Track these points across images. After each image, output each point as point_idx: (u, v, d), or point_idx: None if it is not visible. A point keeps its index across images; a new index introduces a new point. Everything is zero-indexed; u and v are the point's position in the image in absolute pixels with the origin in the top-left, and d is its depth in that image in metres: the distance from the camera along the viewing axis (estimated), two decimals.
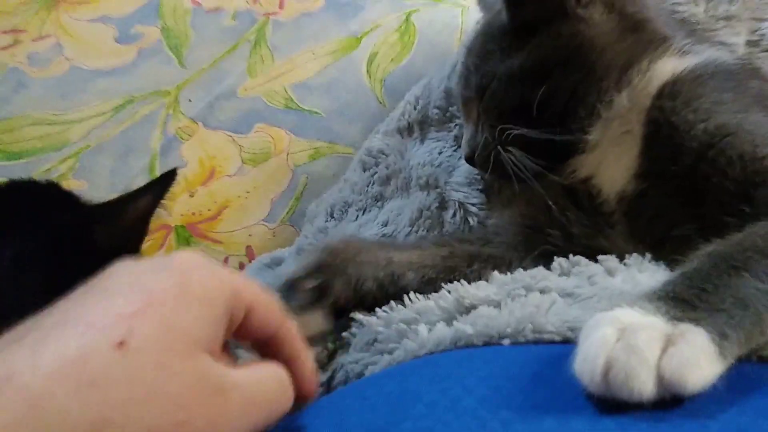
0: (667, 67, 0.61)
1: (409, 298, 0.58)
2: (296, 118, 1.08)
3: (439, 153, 0.77)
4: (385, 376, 0.50)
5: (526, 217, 0.66)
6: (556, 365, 0.42)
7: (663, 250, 0.56)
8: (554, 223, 0.63)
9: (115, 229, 0.59)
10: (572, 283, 0.51)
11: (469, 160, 0.69)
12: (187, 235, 0.96)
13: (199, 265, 0.39)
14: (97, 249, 0.58)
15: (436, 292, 0.58)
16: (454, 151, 0.77)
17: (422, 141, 0.81)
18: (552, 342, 0.46)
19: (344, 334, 0.61)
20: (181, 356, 0.35)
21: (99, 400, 0.31)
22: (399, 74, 1.10)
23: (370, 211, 0.80)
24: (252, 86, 1.11)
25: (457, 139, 0.78)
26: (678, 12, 0.74)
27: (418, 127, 0.82)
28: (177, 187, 0.66)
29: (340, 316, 0.63)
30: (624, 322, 0.38)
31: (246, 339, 0.43)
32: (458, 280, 0.58)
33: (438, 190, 0.74)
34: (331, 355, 0.61)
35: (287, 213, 0.99)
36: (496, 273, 0.56)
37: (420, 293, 0.59)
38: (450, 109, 0.80)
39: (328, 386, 0.59)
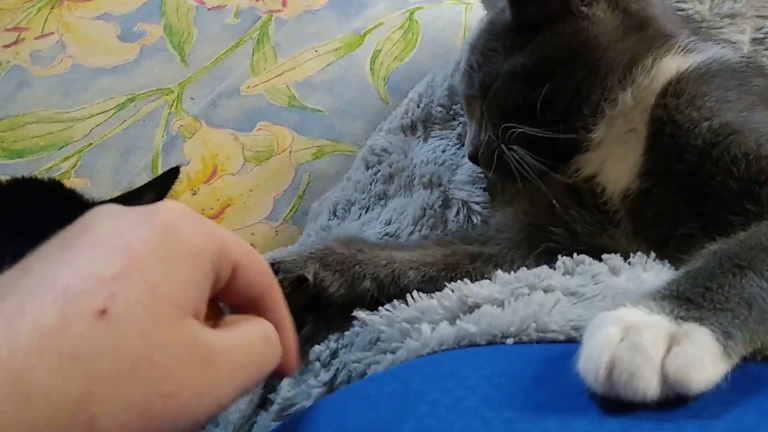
0: (671, 65, 0.61)
1: (412, 297, 0.58)
2: (299, 116, 1.08)
3: (443, 151, 0.77)
4: (387, 376, 0.50)
5: (529, 215, 0.66)
6: (559, 364, 0.42)
7: (667, 249, 0.56)
8: (558, 221, 0.63)
9: None
10: (576, 282, 0.51)
11: (473, 158, 0.69)
12: None
13: (185, 218, 0.36)
14: None
15: (437, 290, 0.58)
16: (458, 149, 0.77)
17: (425, 139, 0.81)
18: (555, 341, 0.46)
19: (347, 333, 0.61)
20: (166, 323, 0.33)
21: (82, 374, 0.30)
22: (402, 72, 1.10)
23: (373, 209, 0.79)
24: (255, 84, 1.11)
25: (461, 137, 0.78)
26: (682, 10, 0.74)
27: (421, 125, 0.82)
28: (179, 185, 0.66)
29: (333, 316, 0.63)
30: (628, 321, 0.38)
31: (229, 301, 0.40)
32: (460, 279, 0.58)
33: (441, 188, 0.74)
34: (334, 354, 0.61)
35: (290, 211, 0.99)
36: (499, 272, 0.56)
37: (422, 292, 0.59)
38: (453, 107, 0.80)
39: (330, 386, 0.59)
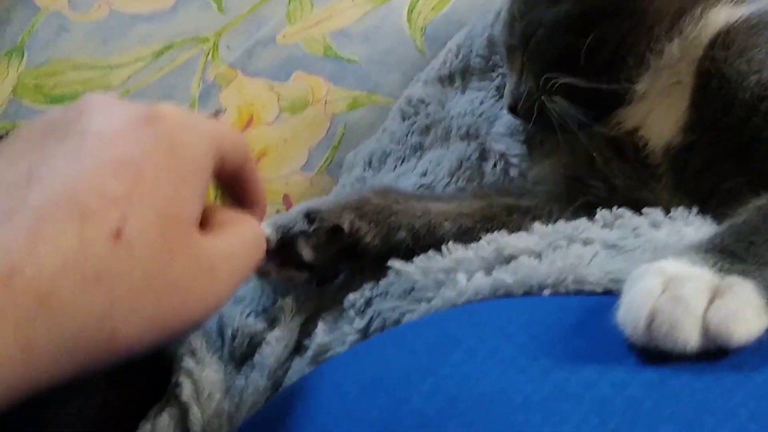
0: (720, 15, 0.59)
1: (447, 248, 0.58)
2: (335, 67, 1.07)
3: (481, 103, 0.76)
4: (423, 323, 0.51)
5: (569, 168, 0.65)
6: (597, 316, 0.42)
7: (709, 205, 0.55)
8: (597, 174, 0.62)
9: None
10: (616, 234, 0.50)
11: (512, 110, 0.68)
12: None
13: (186, 125, 0.37)
14: None
15: (473, 242, 0.57)
16: (496, 101, 0.76)
17: (463, 91, 0.80)
18: (593, 293, 0.46)
19: (381, 282, 0.62)
20: (175, 242, 0.34)
21: (103, 294, 0.32)
22: (440, 22, 1.08)
23: (408, 161, 0.79)
24: (291, 33, 1.10)
25: (500, 89, 0.76)
26: None
27: (459, 76, 0.81)
28: None
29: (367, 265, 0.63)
30: (670, 273, 0.38)
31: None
32: (497, 231, 0.58)
33: (479, 140, 0.73)
34: (368, 303, 0.62)
35: (324, 162, 0.99)
36: (537, 224, 0.55)
37: (457, 243, 0.59)
38: (493, 58, 0.79)
39: (365, 333, 0.59)
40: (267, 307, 0.66)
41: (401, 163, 0.79)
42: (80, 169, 0.33)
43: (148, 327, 0.34)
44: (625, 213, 0.53)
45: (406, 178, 0.76)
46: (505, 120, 0.73)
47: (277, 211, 0.94)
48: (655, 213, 0.53)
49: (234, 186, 0.44)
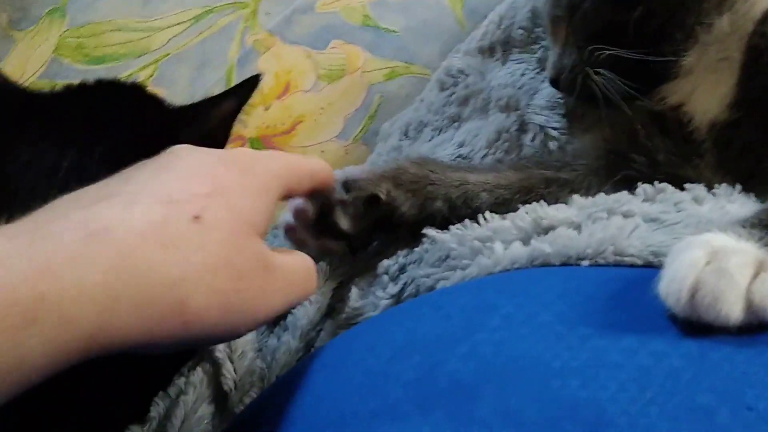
0: None
1: (484, 217, 0.58)
2: (373, 36, 1.07)
3: (522, 75, 0.75)
4: (459, 289, 0.51)
5: (610, 141, 0.64)
6: (637, 287, 0.42)
7: (753, 182, 0.54)
8: (639, 149, 0.61)
9: (200, 131, 0.60)
10: (657, 208, 0.50)
11: (554, 82, 0.67)
12: (261, 148, 0.97)
13: (257, 160, 0.44)
14: None
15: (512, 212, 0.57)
16: (537, 73, 0.75)
17: (504, 62, 0.79)
18: (633, 265, 0.46)
19: (416, 249, 0.62)
20: (243, 236, 0.40)
21: (178, 261, 0.36)
22: None
23: (446, 131, 0.79)
24: (330, 1, 1.10)
25: (541, 61, 0.76)
26: None
27: (500, 47, 0.80)
28: (253, 99, 0.66)
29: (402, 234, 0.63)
30: (715, 246, 0.37)
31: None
32: (535, 202, 0.57)
33: (518, 112, 0.72)
34: (402, 269, 0.62)
35: (360, 131, 0.99)
36: (576, 196, 0.55)
37: (494, 214, 0.58)
38: (535, 30, 0.78)
39: (398, 298, 0.59)
40: None
41: (438, 134, 0.79)
42: (169, 176, 0.40)
43: (215, 303, 0.37)
44: (667, 187, 0.53)
45: (443, 149, 0.76)
46: (546, 92, 0.72)
47: None
48: (698, 189, 0.52)
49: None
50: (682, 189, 0.53)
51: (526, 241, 0.52)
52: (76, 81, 0.66)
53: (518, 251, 0.51)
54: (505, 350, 0.39)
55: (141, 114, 0.61)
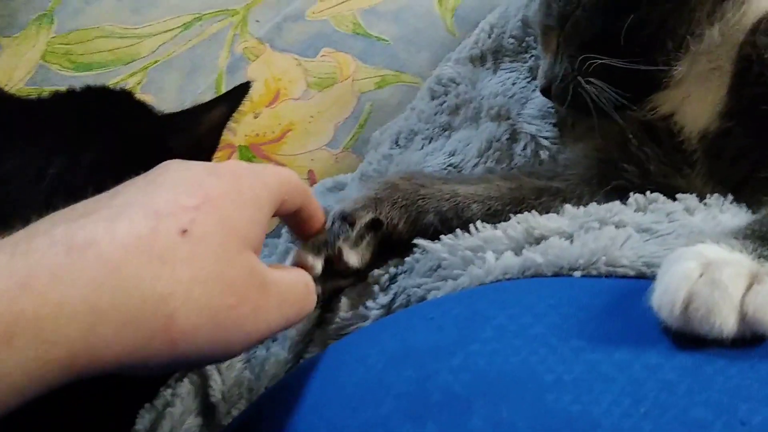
0: (763, 1, 0.58)
1: (476, 227, 0.57)
2: (363, 45, 1.07)
3: (513, 84, 0.75)
4: (450, 300, 0.50)
5: (601, 151, 0.64)
6: (629, 298, 0.42)
7: (743, 192, 0.54)
8: (631, 158, 0.61)
9: (189, 138, 0.59)
10: (649, 218, 0.50)
11: (546, 91, 0.67)
12: (250, 156, 0.97)
13: (248, 172, 0.43)
14: (170, 158, 0.58)
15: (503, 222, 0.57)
16: (528, 82, 0.75)
17: (495, 71, 0.79)
18: (625, 276, 0.45)
19: (407, 259, 0.61)
20: (234, 250, 0.38)
21: (167, 276, 0.35)
22: (471, 4, 1.07)
23: (436, 140, 0.78)
24: (321, 9, 1.10)
25: (532, 70, 0.76)
26: None
27: (491, 56, 0.80)
28: (242, 107, 0.66)
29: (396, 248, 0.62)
30: (708, 257, 0.37)
31: (276, 215, 0.47)
32: (527, 212, 0.57)
33: (509, 121, 0.72)
34: (392, 279, 0.61)
35: (350, 139, 0.99)
36: (568, 206, 0.55)
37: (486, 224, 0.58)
38: (526, 39, 0.78)
39: (388, 309, 0.59)
40: None
41: (429, 143, 0.79)
42: (157, 190, 0.38)
43: (204, 319, 0.36)
44: (659, 197, 0.53)
45: (434, 158, 0.75)
46: (537, 102, 0.72)
47: None
48: (689, 199, 0.52)
49: (296, 220, 0.52)
50: (674, 199, 0.53)
51: (517, 251, 0.52)
52: (63, 88, 0.65)
53: (510, 261, 0.50)
54: (498, 362, 0.39)
55: (129, 121, 0.61)
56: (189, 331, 0.35)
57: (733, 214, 0.50)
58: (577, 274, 0.47)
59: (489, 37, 0.81)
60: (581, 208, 0.54)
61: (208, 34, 1.08)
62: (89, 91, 0.64)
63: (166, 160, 0.58)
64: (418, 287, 0.57)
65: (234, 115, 0.64)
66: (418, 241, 0.60)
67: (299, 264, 0.54)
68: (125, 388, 0.54)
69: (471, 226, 0.57)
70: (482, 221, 0.58)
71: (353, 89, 1.03)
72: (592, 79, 0.60)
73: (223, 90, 1.01)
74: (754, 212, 0.50)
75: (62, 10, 1.11)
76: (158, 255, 0.35)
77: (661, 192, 0.55)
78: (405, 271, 0.60)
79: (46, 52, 1.06)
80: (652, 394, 0.34)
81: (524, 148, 0.70)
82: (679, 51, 0.58)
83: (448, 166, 0.73)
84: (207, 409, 0.57)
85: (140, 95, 0.96)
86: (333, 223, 0.58)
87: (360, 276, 0.61)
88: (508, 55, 0.79)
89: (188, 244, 0.36)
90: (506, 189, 0.64)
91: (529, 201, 0.63)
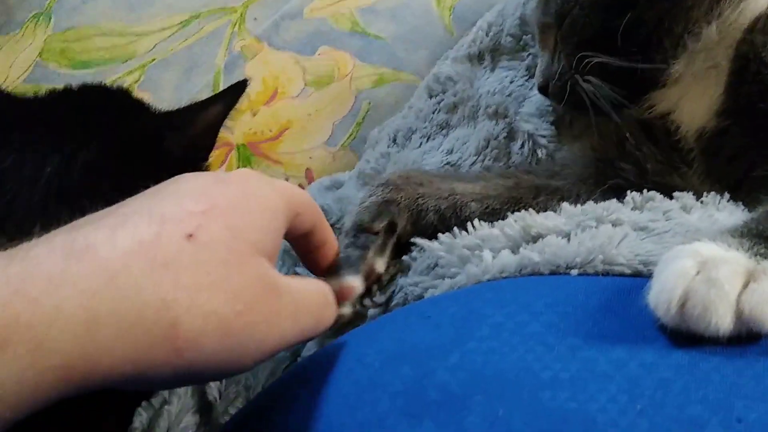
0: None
1: (473, 226, 0.57)
2: (361, 43, 1.06)
3: (510, 82, 0.75)
4: (447, 298, 0.50)
5: (598, 150, 0.64)
6: (626, 297, 0.42)
7: (740, 191, 0.54)
8: (628, 157, 0.61)
9: (186, 136, 0.59)
10: (646, 217, 0.50)
11: (543, 90, 0.67)
12: (248, 154, 0.97)
13: (259, 180, 0.42)
14: (166, 156, 0.58)
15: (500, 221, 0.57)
16: (526, 80, 0.75)
17: (493, 69, 0.79)
18: (622, 275, 0.46)
19: (404, 257, 0.61)
20: (243, 256, 0.37)
21: (170, 282, 0.33)
22: (469, 2, 1.07)
23: (434, 138, 0.78)
24: (318, 7, 1.09)
25: (530, 69, 0.75)
26: None
27: (489, 54, 0.80)
28: (240, 105, 0.65)
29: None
30: (705, 256, 0.37)
31: (287, 237, 0.45)
32: (524, 211, 0.57)
33: (507, 119, 0.72)
34: (391, 278, 0.61)
35: (348, 138, 0.99)
36: (565, 204, 0.55)
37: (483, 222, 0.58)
38: (524, 37, 0.77)
39: (385, 307, 0.59)
40: None
41: (427, 141, 0.79)
42: (164, 197, 0.38)
43: (211, 327, 0.34)
44: (656, 196, 0.53)
45: (431, 156, 0.75)
46: (535, 100, 0.72)
47: (299, 185, 0.94)
48: (686, 197, 0.52)
49: (308, 247, 0.49)
50: (671, 197, 0.53)
51: (514, 250, 0.52)
52: (60, 86, 0.65)
53: (507, 259, 0.50)
54: (495, 360, 0.39)
55: (126, 119, 0.60)
56: (194, 338, 0.34)
57: (729, 213, 0.50)
58: (574, 272, 0.47)
59: (487, 35, 0.81)
60: (578, 206, 0.54)
61: (206, 32, 1.08)
62: (86, 89, 0.64)
63: (162, 158, 0.59)
64: (416, 286, 0.57)
65: (231, 113, 0.64)
66: (415, 239, 0.61)
67: (343, 290, 0.52)
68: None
69: (468, 224, 0.58)
70: (480, 220, 0.58)
71: (351, 87, 1.03)
72: (589, 78, 0.60)
73: (221, 88, 1.01)
74: (750, 211, 0.50)
75: (60, 7, 1.10)
76: (161, 261, 0.34)
77: (657, 190, 0.55)
78: (402, 270, 0.61)
79: (44, 50, 1.06)
80: (648, 391, 0.34)
81: (522, 147, 0.70)
82: (676, 49, 0.58)
83: (446, 164, 0.73)
84: (204, 407, 0.57)
85: (137, 93, 0.96)
86: (355, 236, 0.59)
87: (380, 282, 0.61)
88: (506, 53, 0.79)
89: (193, 250, 0.35)
90: (504, 188, 0.64)
91: (526, 200, 0.63)
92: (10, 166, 0.54)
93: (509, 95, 0.74)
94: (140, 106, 0.65)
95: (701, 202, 0.52)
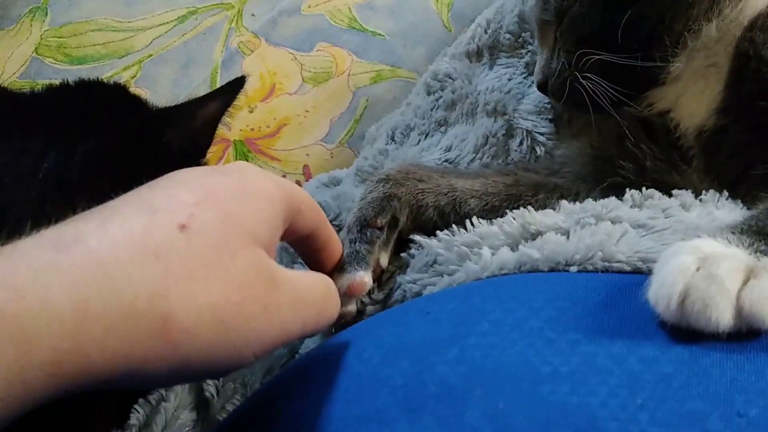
0: None
1: (471, 223, 0.57)
2: (359, 39, 1.06)
3: (509, 79, 0.75)
4: (447, 294, 0.50)
5: (598, 147, 0.64)
6: (625, 293, 0.42)
7: (739, 189, 0.54)
8: (627, 155, 0.61)
9: (184, 132, 0.59)
10: (645, 214, 0.50)
11: (542, 87, 0.67)
12: (245, 150, 0.96)
13: (256, 170, 0.41)
14: (165, 152, 0.58)
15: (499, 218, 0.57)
16: (525, 78, 0.75)
17: (491, 66, 0.79)
18: (621, 271, 0.46)
19: (402, 255, 0.61)
20: (238, 244, 0.36)
21: (161, 272, 0.33)
22: None
23: (432, 135, 0.78)
24: (316, 3, 1.09)
25: (528, 66, 0.75)
26: None
27: (487, 51, 0.80)
28: (237, 101, 0.65)
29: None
30: (705, 252, 0.37)
31: (289, 238, 0.45)
32: (523, 208, 0.57)
33: (505, 117, 0.72)
34: (390, 275, 0.61)
35: (346, 135, 0.98)
36: (564, 202, 0.55)
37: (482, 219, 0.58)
38: (523, 34, 0.77)
39: (384, 304, 0.59)
40: None
41: (425, 138, 0.79)
42: (157, 189, 0.37)
43: (206, 318, 0.33)
44: (655, 193, 0.53)
45: (430, 153, 0.75)
46: (534, 97, 0.72)
47: (296, 182, 0.94)
48: (685, 195, 0.53)
49: (311, 248, 0.48)
50: (670, 195, 0.54)
51: (514, 247, 0.52)
52: (57, 81, 0.64)
53: (506, 256, 0.50)
54: (495, 355, 0.39)
55: (123, 115, 0.60)
56: (189, 330, 0.32)
57: (728, 211, 0.50)
58: (573, 269, 0.47)
59: (485, 32, 0.81)
60: (577, 204, 0.54)
61: (203, 27, 1.07)
62: (83, 84, 0.64)
63: (160, 154, 0.59)
64: (414, 283, 0.57)
65: (229, 109, 0.63)
66: (414, 236, 0.61)
67: (354, 287, 0.53)
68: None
69: (467, 221, 0.58)
70: (479, 217, 0.58)
71: (349, 84, 1.03)
72: (589, 75, 0.59)
73: (218, 84, 1.01)
74: (749, 209, 0.50)
75: (56, 2, 1.10)
76: (153, 251, 0.33)
77: (657, 188, 0.55)
78: (400, 267, 0.61)
79: (40, 45, 1.06)
80: (648, 386, 0.34)
81: (520, 144, 0.70)
82: (676, 47, 0.58)
83: (444, 161, 0.73)
84: (201, 403, 0.57)
85: (134, 89, 0.95)
86: (360, 231, 0.59)
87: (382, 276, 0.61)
88: (505, 50, 0.79)
89: (186, 239, 0.34)
90: (503, 185, 0.64)
91: (526, 197, 0.63)
92: (8, 161, 0.54)
93: (508, 92, 0.74)
94: (137, 102, 0.64)
95: (700, 200, 0.52)
